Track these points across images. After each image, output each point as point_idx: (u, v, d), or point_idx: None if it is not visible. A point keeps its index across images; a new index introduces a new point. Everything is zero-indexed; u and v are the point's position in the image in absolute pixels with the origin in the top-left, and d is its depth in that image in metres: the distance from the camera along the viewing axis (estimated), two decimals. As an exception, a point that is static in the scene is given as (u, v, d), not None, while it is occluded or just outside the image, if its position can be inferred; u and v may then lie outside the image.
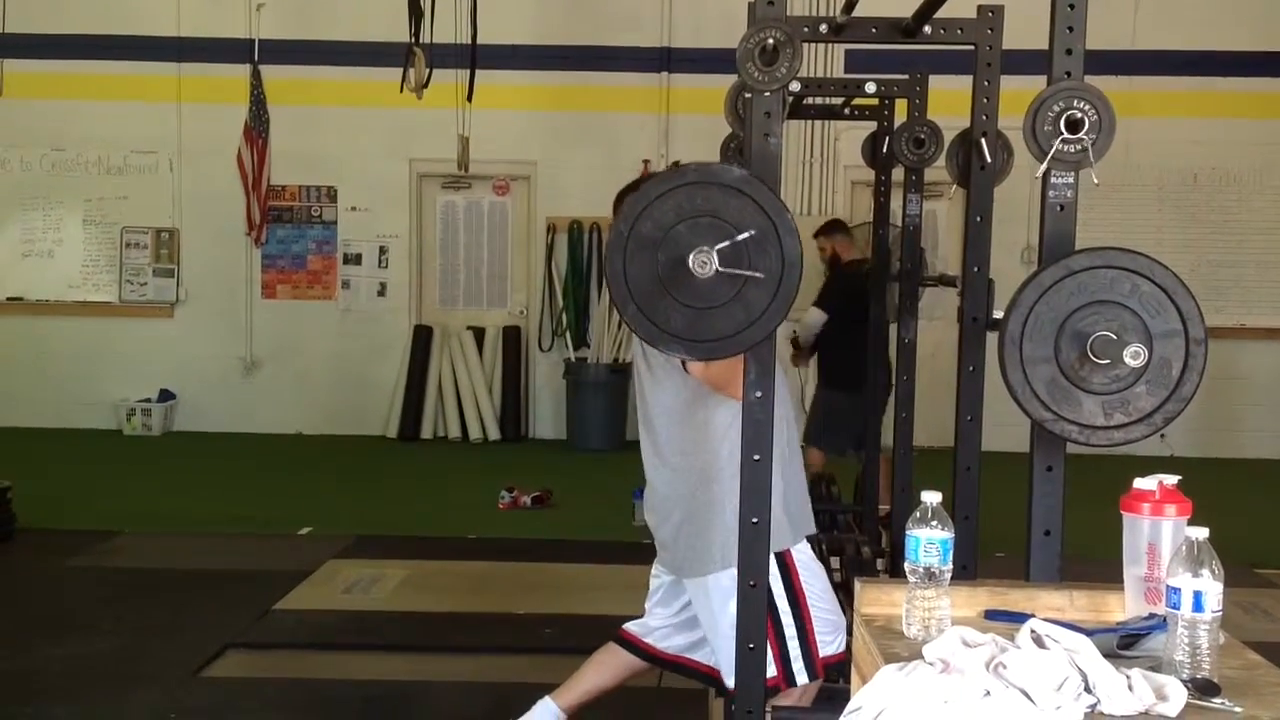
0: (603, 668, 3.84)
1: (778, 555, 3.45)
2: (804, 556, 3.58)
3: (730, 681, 3.31)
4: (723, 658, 3.44)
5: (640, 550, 6.81)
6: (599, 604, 5.67)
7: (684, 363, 3.32)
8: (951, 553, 1.68)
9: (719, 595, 3.40)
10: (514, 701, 4.41)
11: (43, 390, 10.41)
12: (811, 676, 3.47)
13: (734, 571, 3.09)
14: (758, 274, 2.78)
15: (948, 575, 1.68)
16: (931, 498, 1.69)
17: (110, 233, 10.54)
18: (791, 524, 3.52)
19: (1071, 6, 2.44)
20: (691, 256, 2.74)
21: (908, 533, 1.69)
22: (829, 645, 3.51)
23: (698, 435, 3.42)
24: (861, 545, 4.47)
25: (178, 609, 5.52)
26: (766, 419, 2.91)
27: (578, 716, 3.82)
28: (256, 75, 10.24)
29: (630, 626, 3.80)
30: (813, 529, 3.65)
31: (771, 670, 3.37)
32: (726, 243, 2.77)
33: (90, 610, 5.55)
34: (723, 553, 3.41)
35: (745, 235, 2.78)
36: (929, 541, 1.66)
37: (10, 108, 9.40)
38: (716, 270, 2.73)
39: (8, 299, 10.57)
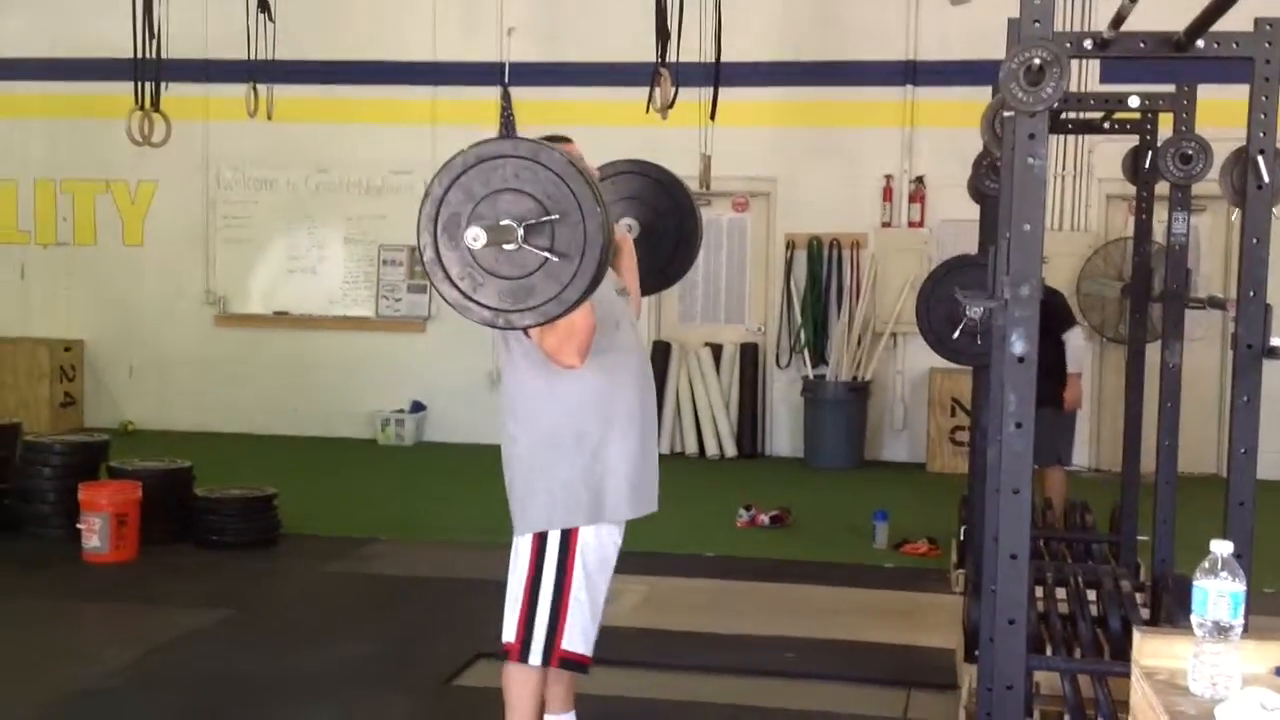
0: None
1: (564, 531, 3.51)
2: (594, 544, 3.55)
3: (506, 637, 3.54)
4: (506, 614, 3.56)
5: (883, 574, 6.73)
6: (840, 629, 5.60)
7: (525, 330, 3.43)
8: (1243, 606, 1.58)
9: (517, 557, 3.56)
10: (756, 725, 4.39)
11: (305, 400, 10.97)
12: (545, 661, 3.52)
13: (528, 538, 3.50)
14: (553, 256, 2.89)
15: (1239, 630, 1.58)
16: (1222, 548, 1.59)
17: (369, 251, 11.02)
18: (594, 502, 3.53)
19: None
20: (465, 233, 2.86)
21: (1195, 583, 1.60)
22: (575, 643, 3.53)
23: (538, 401, 3.54)
24: (1120, 579, 4.27)
25: (430, 616, 5.70)
26: (1026, 450, 2.82)
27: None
28: (507, 97, 10.54)
29: None
30: (629, 515, 3.62)
31: (510, 635, 3.53)
32: (533, 220, 2.88)
33: (347, 615, 5.80)
34: (526, 515, 3.54)
35: (551, 218, 2.88)
36: (1219, 594, 1.56)
37: (279, 132, 9.95)
38: (521, 245, 2.86)
39: (274, 312, 11.18)
